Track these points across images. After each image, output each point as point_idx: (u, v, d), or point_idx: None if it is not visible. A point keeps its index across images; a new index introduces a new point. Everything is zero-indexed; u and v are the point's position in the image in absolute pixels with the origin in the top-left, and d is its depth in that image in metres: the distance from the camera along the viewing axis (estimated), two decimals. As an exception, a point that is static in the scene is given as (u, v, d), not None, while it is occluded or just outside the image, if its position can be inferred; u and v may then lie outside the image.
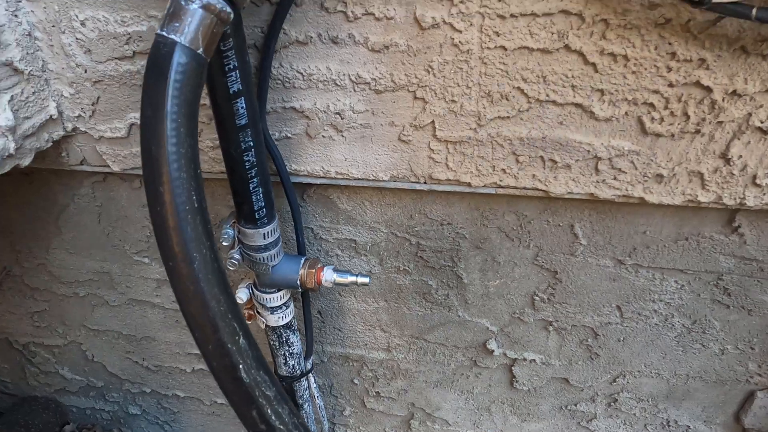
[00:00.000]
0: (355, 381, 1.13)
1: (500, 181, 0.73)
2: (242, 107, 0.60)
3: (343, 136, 0.72)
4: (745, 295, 0.83)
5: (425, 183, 0.75)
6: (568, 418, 1.13)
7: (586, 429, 1.14)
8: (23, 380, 1.32)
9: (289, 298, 0.83)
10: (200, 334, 0.45)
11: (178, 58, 0.41)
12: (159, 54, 0.41)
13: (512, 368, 1.04)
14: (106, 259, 1.00)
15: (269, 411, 0.47)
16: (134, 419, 1.36)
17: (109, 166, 0.80)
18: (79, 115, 0.75)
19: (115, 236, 0.96)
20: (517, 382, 1.07)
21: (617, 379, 1.02)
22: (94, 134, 0.76)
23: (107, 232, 0.95)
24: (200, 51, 0.43)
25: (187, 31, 0.42)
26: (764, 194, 0.68)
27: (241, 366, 0.46)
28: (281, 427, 0.47)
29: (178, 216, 0.43)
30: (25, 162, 0.69)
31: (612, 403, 1.07)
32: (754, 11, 0.51)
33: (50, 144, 0.73)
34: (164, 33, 0.42)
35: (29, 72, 0.67)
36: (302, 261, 0.77)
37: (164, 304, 1.06)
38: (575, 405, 1.10)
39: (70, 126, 0.75)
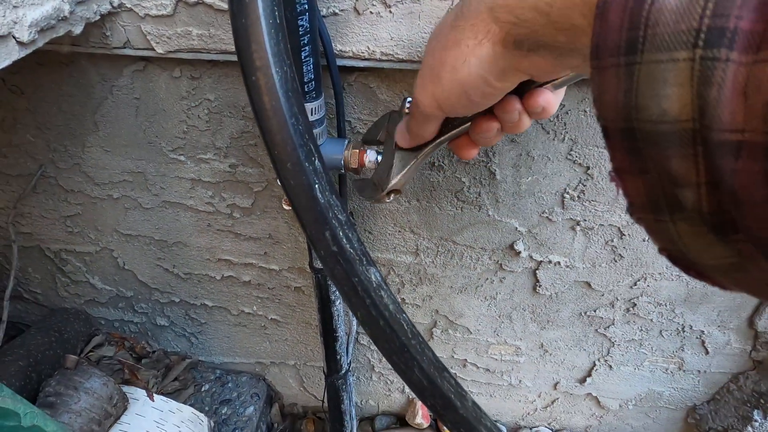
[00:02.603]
0: (382, 287, 1.16)
1: (544, 60, 0.74)
2: (300, -36, 0.60)
3: (391, 12, 0.73)
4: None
5: (469, 64, 0.76)
6: (586, 325, 1.17)
7: (603, 336, 1.19)
8: (53, 291, 1.35)
9: (330, 184, 0.85)
10: (279, 152, 0.47)
11: None
12: None
13: (536, 272, 1.08)
14: (142, 157, 1.01)
15: (341, 234, 0.49)
16: (162, 331, 1.40)
17: (153, 49, 0.80)
18: (126, -10, 0.75)
19: (152, 132, 0.97)
20: (540, 287, 1.10)
21: (638, 283, 1.06)
22: (139, 11, 0.77)
23: (144, 128, 0.96)
24: None
25: None
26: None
27: (317, 186, 0.48)
28: (351, 250, 0.50)
29: (264, 29, 0.44)
30: (77, 30, 0.70)
31: (630, 308, 1.11)
32: None
33: (98, 17, 0.74)
34: None
35: (80, -65, 0.67)
36: (346, 142, 0.78)
37: (197, 206, 1.08)
38: (594, 311, 1.14)
39: (116, 1, 0.76)
